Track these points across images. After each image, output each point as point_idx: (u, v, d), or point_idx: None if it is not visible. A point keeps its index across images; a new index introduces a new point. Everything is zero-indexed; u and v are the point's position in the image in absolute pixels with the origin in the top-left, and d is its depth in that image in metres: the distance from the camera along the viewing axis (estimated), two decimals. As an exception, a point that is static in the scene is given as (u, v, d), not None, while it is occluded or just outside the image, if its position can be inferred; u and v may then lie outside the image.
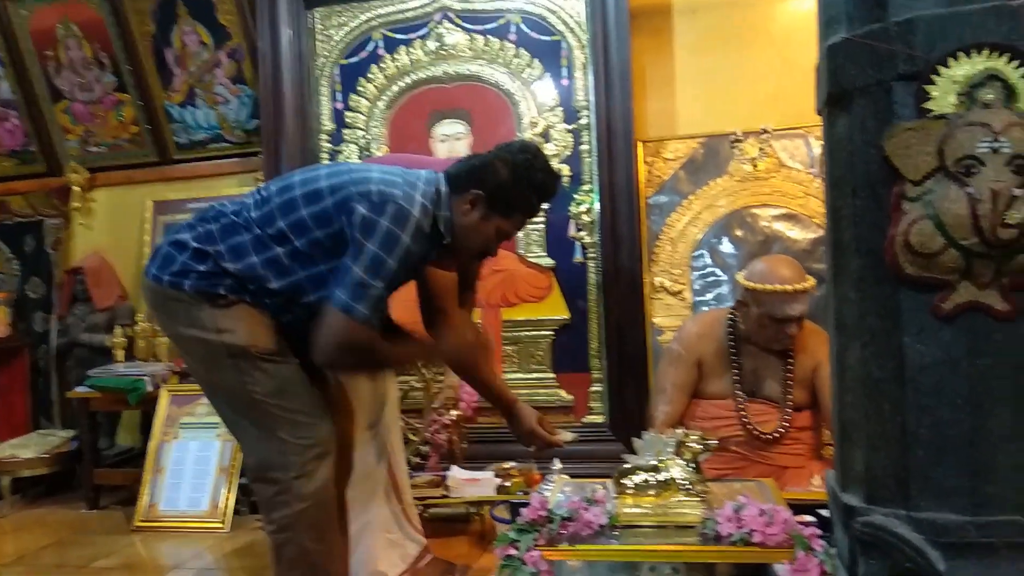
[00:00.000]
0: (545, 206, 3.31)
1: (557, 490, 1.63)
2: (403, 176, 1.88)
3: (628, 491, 1.40)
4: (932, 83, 1.23)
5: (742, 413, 2.55)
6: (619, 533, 1.35)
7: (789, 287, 2.42)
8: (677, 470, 1.39)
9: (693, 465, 1.40)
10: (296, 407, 1.88)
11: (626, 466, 1.42)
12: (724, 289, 3.43)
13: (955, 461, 1.25)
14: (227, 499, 3.41)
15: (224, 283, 1.85)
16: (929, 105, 1.23)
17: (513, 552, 1.30)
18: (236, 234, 1.87)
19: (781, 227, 3.41)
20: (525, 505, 1.44)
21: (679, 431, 1.46)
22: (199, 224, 1.92)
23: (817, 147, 3.37)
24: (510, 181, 1.91)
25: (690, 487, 1.38)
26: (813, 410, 2.58)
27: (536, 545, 1.30)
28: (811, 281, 2.48)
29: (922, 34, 1.24)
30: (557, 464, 1.91)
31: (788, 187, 3.42)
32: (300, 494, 1.85)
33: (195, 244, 1.87)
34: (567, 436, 2.30)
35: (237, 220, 1.89)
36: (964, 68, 1.21)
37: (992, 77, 1.20)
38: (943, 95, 1.22)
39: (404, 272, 1.84)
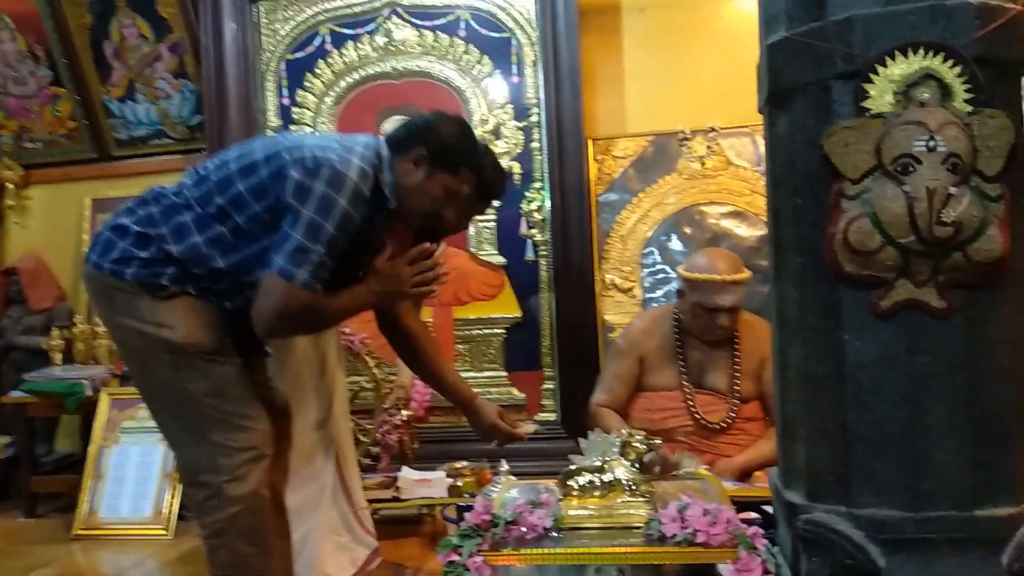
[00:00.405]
0: (496, 204, 3.32)
1: (505, 491, 1.61)
2: (339, 142, 1.83)
3: (573, 493, 1.38)
4: (870, 82, 1.23)
5: (689, 403, 2.57)
6: (564, 536, 1.34)
7: (719, 277, 2.48)
8: (622, 471, 1.38)
9: (638, 465, 1.39)
10: (231, 409, 1.83)
11: (571, 467, 1.41)
12: (673, 286, 3.44)
13: (894, 457, 1.26)
14: (171, 505, 3.32)
15: (167, 272, 1.80)
16: (867, 104, 1.24)
17: (456, 558, 1.27)
18: (177, 214, 1.81)
19: (729, 224, 3.45)
20: (471, 508, 1.42)
21: (624, 431, 1.45)
22: (139, 207, 1.86)
23: (763, 145, 3.40)
24: (451, 134, 1.88)
25: (635, 488, 1.37)
26: (760, 401, 2.61)
27: (479, 550, 1.27)
28: (744, 273, 2.51)
29: (860, 33, 1.24)
30: (504, 465, 1.89)
31: (735, 185, 3.46)
32: (231, 497, 1.80)
33: (137, 228, 1.81)
34: (530, 428, 2.25)
35: (177, 200, 1.83)
36: (901, 67, 1.22)
37: (928, 76, 1.21)
38: (880, 94, 1.23)
39: (344, 237, 1.76)
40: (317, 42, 3.68)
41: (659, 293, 3.49)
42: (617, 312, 3.50)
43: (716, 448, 2.55)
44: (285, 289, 1.72)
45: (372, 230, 1.89)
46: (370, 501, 2.96)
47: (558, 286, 3.46)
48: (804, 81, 1.30)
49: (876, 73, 1.23)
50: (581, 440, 1.53)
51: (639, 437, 1.41)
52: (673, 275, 3.46)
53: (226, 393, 1.83)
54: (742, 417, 2.59)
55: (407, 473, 3.04)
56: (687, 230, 3.47)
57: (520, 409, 3.53)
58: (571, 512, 1.37)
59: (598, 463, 1.39)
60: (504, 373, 3.56)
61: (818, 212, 1.29)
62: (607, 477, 1.38)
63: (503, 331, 3.56)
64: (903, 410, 1.25)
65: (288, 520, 2.08)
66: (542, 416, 3.52)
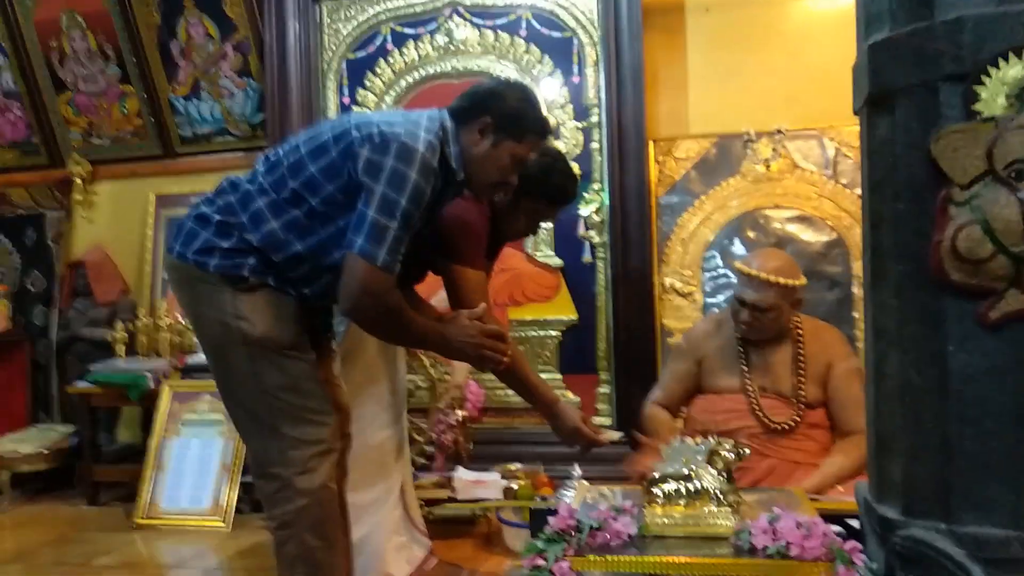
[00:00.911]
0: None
1: (579, 497, 1.59)
2: (404, 116, 1.84)
3: (658, 500, 1.36)
4: (981, 84, 1.19)
5: (754, 405, 2.52)
6: (648, 543, 1.31)
7: (748, 270, 2.43)
8: (709, 479, 1.35)
9: (725, 474, 1.36)
10: (304, 404, 1.85)
11: (656, 474, 1.38)
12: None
13: (998, 474, 1.21)
14: (229, 498, 3.37)
15: (248, 263, 1.81)
16: (978, 107, 1.19)
17: (541, 563, 1.25)
18: (252, 202, 1.83)
19: (794, 229, 3.38)
20: (548, 512, 1.40)
21: (711, 439, 1.42)
22: (218, 197, 1.88)
23: (831, 148, 3.34)
24: (516, 101, 1.87)
25: (722, 497, 1.34)
26: (825, 408, 2.55)
27: (564, 555, 1.25)
28: (781, 277, 2.43)
29: (970, 34, 1.20)
30: (577, 470, 1.87)
31: (801, 188, 3.38)
32: (301, 490, 1.82)
33: (218, 217, 1.84)
34: (613, 436, 2.22)
35: (251, 187, 1.85)
36: (1014, 70, 1.17)
37: (1044, 79, 1.16)
38: (992, 97, 1.18)
39: (418, 211, 1.77)
40: (378, 41, 3.70)
41: (720, 298, 3.43)
42: (676, 317, 3.46)
43: (781, 452, 2.49)
44: (365, 268, 1.72)
45: (441, 204, 1.90)
46: (426, 501, 2.97)
47: (616, 289, 3.42)
48: (909, 82, 1.26)
49: (988, 75, 1.19)
50: (663, 447, 1.50)
51: (728, 445, 1.37)
52: (734, 280, 3.40)
53: (300, 388, 1.84)
54: (807, 423, 2.52)
55: (462, 474, 3.03)
56: (750, 234, 3.41)
57: (575, 412, 3.50)
58: (656, 520, 1.34)
59: (685, 471, 1.36)
60: (559, 376, 3.53)
61: (921, 218, 1.25)
62: (694, 485, 1.34)
63: (558, 333, 3.54)
64: (1010, 425, 1.20)
65: (348, 516, 2.09)
66: (596, 420, 3.48)
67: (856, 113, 1.43)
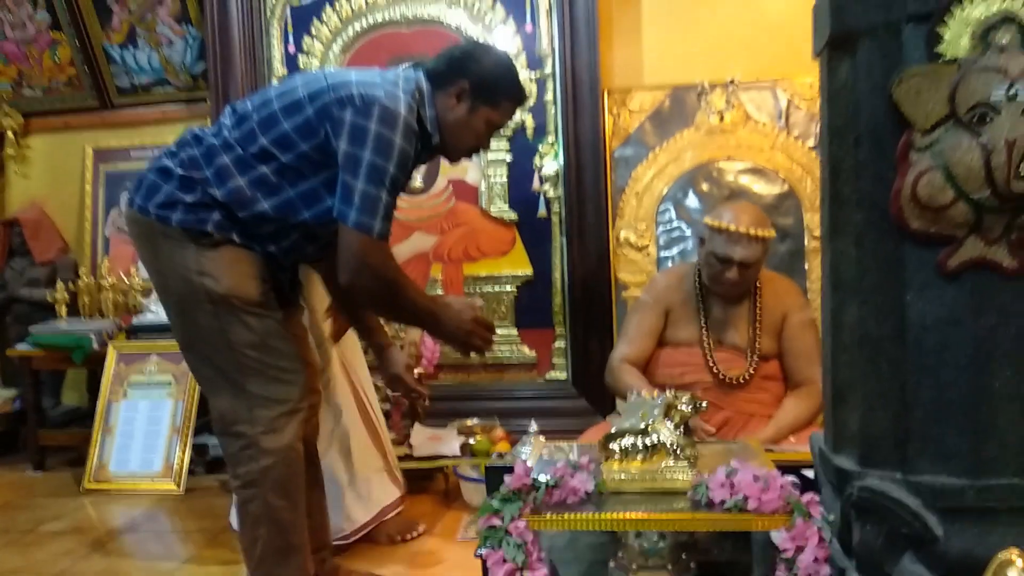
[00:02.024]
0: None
1: (536, 453, 1.56)
2: (381, 76, 1.79)
3: (615, 456, 1.33)
4: (945, 24, 1.15)
5: (709, 359, 2.52)
6: (606, 500, 1.29)
7: (734, 227, 2.39)
8: (666, 433, 1.33)
9: (682, 428, 1.34)
10: (272, 362, 1.81)
11: (612, 430, 1.36)
12: (689, 244, 3.38)
13: (955, 423, 1.21)
14: (181, 459, 3.29)
15: (212, 218, 1.75)
16: (941, 48, 1.16)
17: (497, 522, 1.22)
18: (217, 156, 1.77)
19: (747, 181, 3.36)
20: (504, 469, 1.37)
21: (668, 393, 1.40)
22: (181, 150, 1.82)
23: (784, 100, 3.31)
24: (493, 66, 1.84)
25: (679, 451, 1.32)
26: (779, 360, 2.56)
27: (521, 514, 1.23)
28: (765, 231, 2.42)
29: (935, -28, 1.16)
30: (533, 425, 1.84)
31: (754, 140, 3.36)
32: (267, 449, 1.79)
33: (181, 171, 1.77)
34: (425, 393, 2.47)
35: (216, 142, 1.79)
36: (979, 9, 1.14)
37: (1008, 19, 1.13)
38: (956, 38, 1.15)
39: (403, 175, 1.75)
40: (324, -13, 3.55)
41: (674, 251, 3.41)
42: (631, 271, 3.43)
43: (736, 404, 2.51)
44: (363, 241, 1.70)
45: (417, 164, 1.87)
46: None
47: (571, 243, 3.39)
48: (871, 23, 1.22)
49: (952, 15, 1.15)
50: (619, 401, 1.48)
51: (684, 399, 1.35)
52: (689, 233, 3.39)
53: (267, 345, 1.81)
54: (761, 375, 2.54)
55: (419, 430, 3.01)
56: (704, 187, 3.39)
57: (531, 368, 3.50)
58: (613, 476, 1.32)
59: (641, 426, 1.33)
60: (515, 331, 3.50)
61: (882, 165, 1.22)
62: (650, 440, 1.32)
63: (514, 288, 3.50)
64: (967, 374, 1.19)
65: (321, 470, 2.10)
66: (553, 375, 3.49)
67: (816, 56, 1.39)
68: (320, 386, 2.16)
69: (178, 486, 3.24)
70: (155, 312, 3.54)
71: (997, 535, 1.17)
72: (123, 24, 3.86)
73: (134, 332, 3.56)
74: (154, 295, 3.57)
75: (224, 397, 1.83)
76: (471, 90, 1.81)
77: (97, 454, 3.36)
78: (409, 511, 2.70)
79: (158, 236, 1.78)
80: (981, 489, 1.19)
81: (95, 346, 3.50)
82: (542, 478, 1.24)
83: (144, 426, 3.40)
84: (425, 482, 3.06)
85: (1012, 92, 1.11)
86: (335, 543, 2.28)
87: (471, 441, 2.93)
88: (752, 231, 2.39)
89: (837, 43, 1.28)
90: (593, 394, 3.34)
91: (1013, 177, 1.10)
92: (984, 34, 1.14)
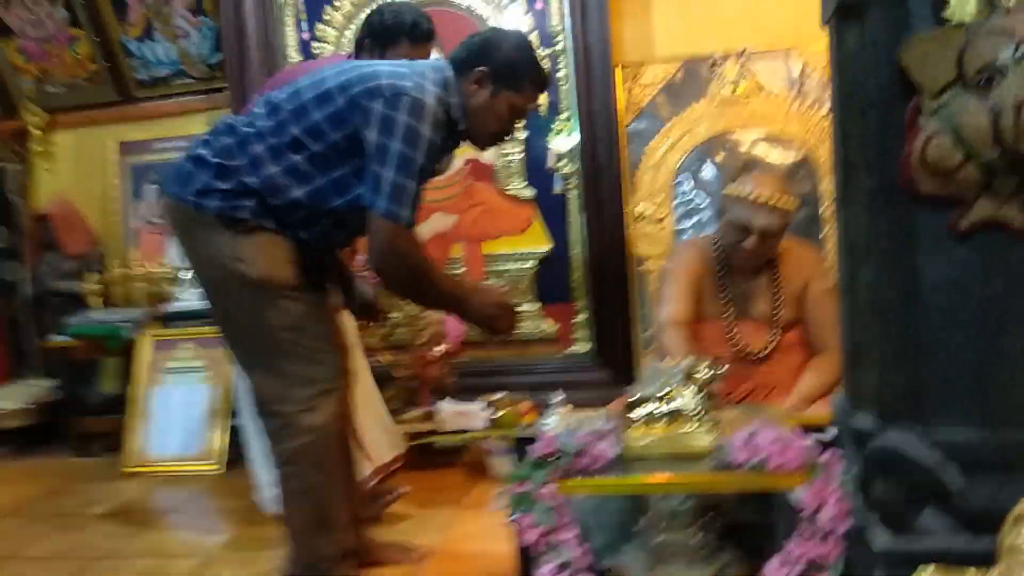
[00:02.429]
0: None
1: (562, 423, 1.61)
2: (410, 68, 1.85)
3: (637, 422, 1.38)
4: (951, -10, 1.17)
5: (731, 333, 2.54)
6: (631, 464, 1.34)
7: (754, 195, 2.38)
8: (686, 399, 1.37)
9: (703, 393, 1.38)
10: (307, 343, 1.88)
11: (634, 397, 1.40)
12: (706, 215, 3.40)
13: (969, 380, 1.24)
14: (222, 440, 3.38)
15: (247, 205, 1.81)
16: (947, 14, 1.18)
17: (526, 488, 1.28)
18: (251, 145, 1.83)
19: (762, 150, 3.36)
20: (530, 440, 1.42)
21: (686, 360, 1.44)
22: (215, 139, 1.87)
23: (796, 67, 3.31)
24: (513, 50, 1.88)
25: (700, 416, 1.36)
26: (800, 328, 2.58)
27: (550, 480, 1.28)
28: (787, 201, 2.42)
29: (940, -62, 1.18)
30: (559, 395, 1.89)
31: (768, 110, 3.36)
32: (304, 427, 1.85)
33: (216, 160, 1.83)
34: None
35: (249, 131, 1.85)
36: (984, -27, 1.16)
37: (1014, -18, 1.15)
38: (962, 2, 1.17)
39: (430, 165, 1.82)
40: (335, -28, 3.58)
41: (691, 222, 3.44)
42: (648, 243, 3.46)
43: (759, 376, 2.53)
44: (392, 229, 1.77)
45: (445, 154, 1.94)
46: (412, 435, 3.02)
47: (588, 218, 3.42)
48: (878, -9, 1.24)
49: (957, -20, 1.17)
50: (642, 369, 1.52)
51: (703, 365, 1.39)
52: (705, 203, 3.40)
53: (302, 327, 1.87)
54: (784, 345, 2.56)
55: (446, 406, 3.07)
56: (719, 158, 3.40)
57: (553, 342, 3.54)
58: (636, 441, 1.37)
59: (661, 393, 1.38)
60: (537, 305, 3.54)
61: (892, 131, 1.25)
62: (671, 406, 1.37)
63: (534, 264, 3.54)
64: (980, 333, 1.22)
65: (352, 448, 2.15)
66: (574, 348, 3.53)
67: (824, 24, 1.42)
68: (350, 366, 2.21)
69: (219, 466, 3.33)
70: (186, 300, 3.62)
71: (1014, 488, 1.20)
72: (139, 17, 3.91)
73: (167, 320, 3.65)
74: (185, 283, 3.66)
75: (262, 378, 1.89)
76: (492, 75, 1.86)
77: (137, 439, 3.46)
78: (439, 484, 2.77)
79: (195, 223, 1.84)
80: (998, 442, 1.22)
81: (130, 334, 3.59)
82: (568, 445, 1.29)
83: (181, 411, 3.49)
84: (455, 456, 3.12)
85: (1019, 54, 1.13)
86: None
87: (497, 415, 2.98)
88: (773, 201, 2.39)
89: (845, 11, 1.31)
90: (615, 365, 3.38)
91: (1022, 137, 1.13)
92: (990, -2, 1.16)
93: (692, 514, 1.37)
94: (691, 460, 1.34)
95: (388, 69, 1.82)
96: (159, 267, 3.89)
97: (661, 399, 1.38)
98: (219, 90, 3.83)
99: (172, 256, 3.85)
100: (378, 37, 2.35)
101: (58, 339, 3.69)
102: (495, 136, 1.97)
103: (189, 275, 3.62)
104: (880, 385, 1.32)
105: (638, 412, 1.39)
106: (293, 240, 1.88)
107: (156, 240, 3.99)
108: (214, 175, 1.82)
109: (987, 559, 1.12)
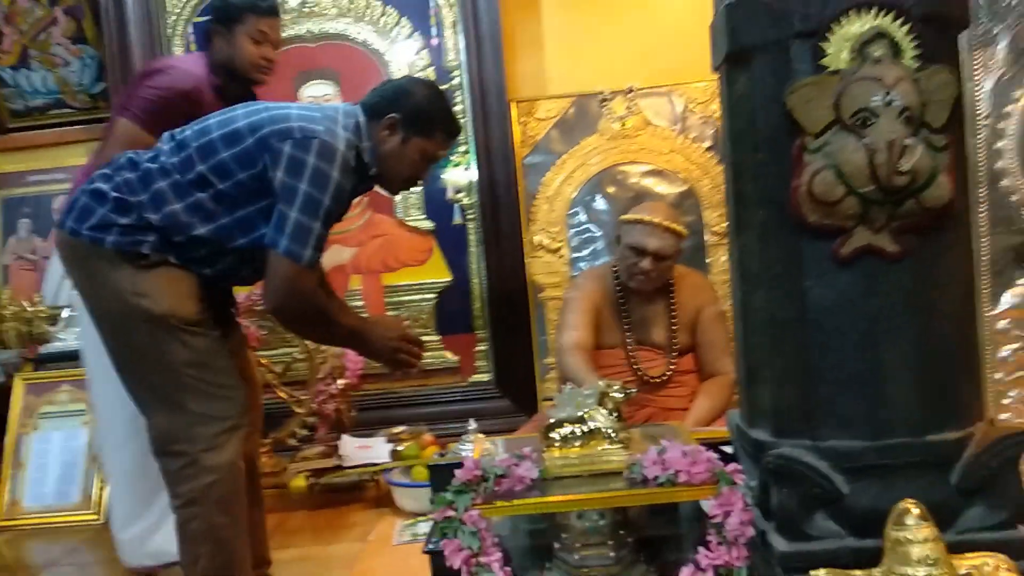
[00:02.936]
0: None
1: (478, 449, 1.64)
2: (322, 111, 1.86)
3: (556, 444, 1.43)
4: (827, 40, 1.31)
5: (632, 360, 2.65)
6: (550, 485, 1.39)
7: (648, 217, 2.54)
8: (601, 419, 1.44)
9: (616, 414, 1.45)
10: (211, 379, 1.83)
11: (552, 420, 1.46)
12: (599, 244, 3.53)
13: (854, 393, 1.36)
14: (100, 489, 3.21)
15: (148, 240, 1.78)
16: (825, 61, 1.31)
17: (451, 513, 1.30)
18: (154, 181, 1.80)
19: (650, 182, 3.53)
20: (449, 467, 1.45)
21: (600, 382, 1.51)
22: (115, 173, 1.83)
23: (680, 104, 3.50)
24: (424, 99, 1.92)
25: (614, 435, 1.43)
26: (694, 353, 2.72)
27: (473, 504, 1.31)
28: (678, 225, 2.58)
29: (816, -6, 1.31)
30: (472, 424, 1.93)
31: (655, 144, 3.54)
32: (208, 467, 1.80)
33: (115, 194, 1.79)
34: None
35: (153, 167, 1.82)
36: (855, 26, 1.30)
37: (880, 35, 1.29)
38: (837, 52, 1.30)
39: (338, 208, 1.82)
40: (226, 4, 3.53)
41: (586, 252, 3.56)
42: (546, 272, 3.56)
43: (656, 401, 2.65)
44: (291, 269, 1.76)
45: (354, 196, 1.93)
46: (313, 471, 2.98)
47: (487, 249, 3.49)
48: (764, 40, 1.37)
49: (832, 32, 1.31)
50: (554, 395, 1.58)
51: (616, 386, 1.47)
52: (598, 234, 3.54)
53: (205, 363, 1.82)
54: (680, 370, 2.69)
55: (348, 441, 3.04)
56: (611, 190, 3.55)
57: (454, 372, 3.57)
58: (555, 462, 1.42)
59: (578, 414, 1.44)
60: (437, 337, 3.57)
61: (779, 167, 1.37)
62: (587, 427, 1.43)
63: (434, 295, 3.57)
64: (862, 349, 1.35)
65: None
66: (476, 377, 3.57)
67: (715, 70, 1.54)
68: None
69: (99, 516, 3.16)
70: (64, 339, 3.44)
71: (896, 490, 1.31)
72: (15, 45, 3.74)
73: (42, 362, 3.45)
74: (62, 322, 3.48)
75: (162, 417, 1.84)
76: (403, 121, 1.88)
77: (9, 490, 3.24)
78: (343, 521, 2.74)
79: (91, 258, 1.79)
80: (880, 449, 1.35)
81: (0, 379, 3.38)
82: (490, 469, 1.33)
83: (58, 457, 3.29)
84: (357, 492, 3.08)
85: (888, 99, 1.27)
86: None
87: (399, 448, 2.98)
88: (666, 223, 2.54)
89: (734, 59, 1.43)
90: (515, 393, 3.45)
91: (893, 173, 1.26)
92: (861, 48, 1.30)
93: (607, 531, 1.43)
94: (607, 477, 1.40)
95: (299, 112, 1.83)
96: (32, 305, 3.68)
97: (578, 420, 1.44)
98: (102, 120, 3.68)
99: (48, 294, 3.67)
100: (223, 19, 2.34)
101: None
102: (407, 181, 1.99)
103: (66, 313, 3.47)
104: (774, 400, 1.43)
105: (555, 434, 1.44)
106: (197, 275, 1.85)
107: (29, 277, 3.78)
108: (112, 209, 1.78)
109: (874, 559, 1.22)
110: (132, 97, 2.30)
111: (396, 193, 2.11)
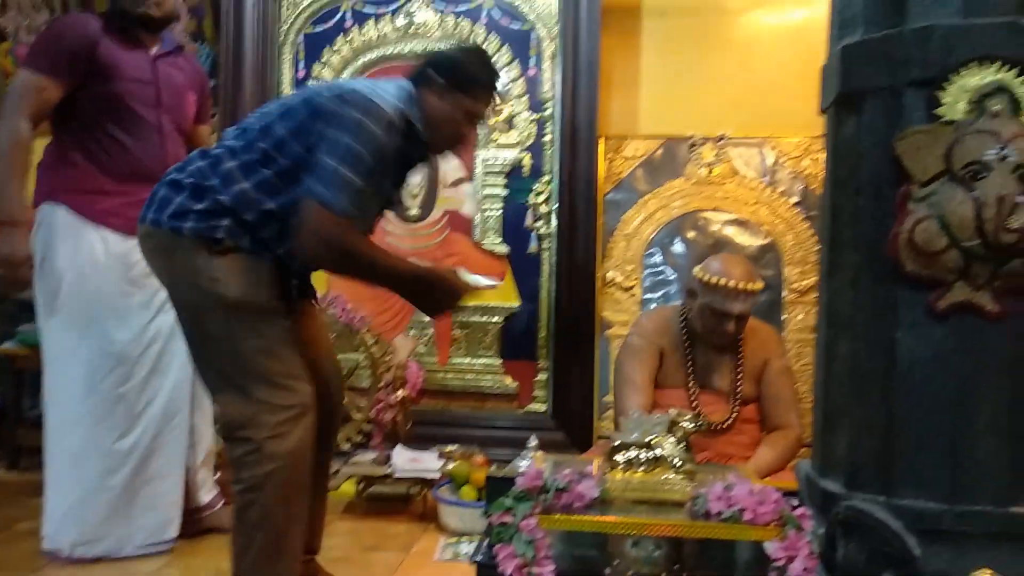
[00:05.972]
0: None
1: (540, 464, 1.63)
2: (374, 83, 1.93)
3: (619, 466, 1.42)
4: (944, 90, 1.29)
5: (694, 403, 2.61)
6: (610, 506, 1.37)
7: (733, 283, 2.51)
8: (668, 448, 1.42)
9: (684, 444, 1.43)
10: (279, 368, 1.86)
11: (617, 442, 1.44)
12: (673, 288, 3.50)
13: (936, 452, 1.31)
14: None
15: (223, 224, 1.83)
16: (940, 111, 1.29)
17: (508, 519, 1.30)
18: (222, 164, 1.87)
19: (731, 232, 3.50)
20: (506, 480, 1.45)
21: (672, 411, 1.49)
22: (188, 164, 1.92)
23: (771, 157, 3.47)
24: (464, 57, 1.98)
25: (680, 465, 1.41)
26: (757, 404, 2.67)
27: (532, 513, 1.30)
28: (758, 284, 2.55)
29: (938, 42, 1.30)
30: (533, 440, 1.92)
31: (740, 193, 3.51)
32: (271, 454, 1.82)
33: (190, 180, 1.87)
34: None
35: (220, 152, 1.90)
36: (975, 78, 1.28)
37: (1000, 89, 1.27)
38: (954, 102, 1.28)
39: (382, 169, 1.84)
40: (338, 17, 3.67)
41: (659, 294, 3.53)
42: (616, 310, 3.55)
43: (716, 447, 2.60)
44: (322, 215, 1.76)
45: (411, 165, 2.01)
46: (364, 478, 2.99)
47: (559, 279, 3.49)
48: (877, 85, 1.35)
49: (951, 82, 1.29)
50: (623, 419, 1.56)
51: (688, 416, 1.44)
52: (673, 277, 3.51)
53: (273, 352, 1.85)
54: (741, 419, 2.64)
55: (400, 452, 3.06)
56: (691, 234, 3.53)
57: (511, 399, 3.56)
58: (617, 484, 1.40)
59: (645, 440, 1.42)
60: (499, 361, 3.57)
61: (880, 212, 1.34)
62: (653, 453, 1.41)
63: (501, 320, 3.58)
64: (949, 407, 1.30)
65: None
66: (532, 407, 3.55)
67: (823, 111, 1.52)
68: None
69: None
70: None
71: (970, 558, 1.27)
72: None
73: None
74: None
75: (230, 402, 1.87)
76: (445, 81, 1.94)
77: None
78: (386, 532, 2.75)
79: (170, 246, 1.86)
80: (958, 514, 1.29)
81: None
82: (552, 481, 1.32)
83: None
84: (403, 504, 3.09)
85: (1003, 154, 1.24)
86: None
87: (450, 466, 2.98)
88: (745, 286, 2.51)
89: (844, 101, 1.42)
90: (571, 427, 3.42)
91: (1001, 229, 1.23)
92: (979, 100, 1.28)
93: (662, 562, 1.40)
94: (667, 507, 1.38)
95: (351, 84, 1.91)
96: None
97: (644, 446, 1.42)
98: (210, 115, 3.84)
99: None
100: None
101: (7, 346, 3.57)
102: (450, 140, 2.03)
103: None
104: (850, 451, 1.39)
105: (619, 456, 1.42)
106: (270, 260, 1.90)
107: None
108: (188, 196, 1.85)
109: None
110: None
111: (440, 153, 2.11)
